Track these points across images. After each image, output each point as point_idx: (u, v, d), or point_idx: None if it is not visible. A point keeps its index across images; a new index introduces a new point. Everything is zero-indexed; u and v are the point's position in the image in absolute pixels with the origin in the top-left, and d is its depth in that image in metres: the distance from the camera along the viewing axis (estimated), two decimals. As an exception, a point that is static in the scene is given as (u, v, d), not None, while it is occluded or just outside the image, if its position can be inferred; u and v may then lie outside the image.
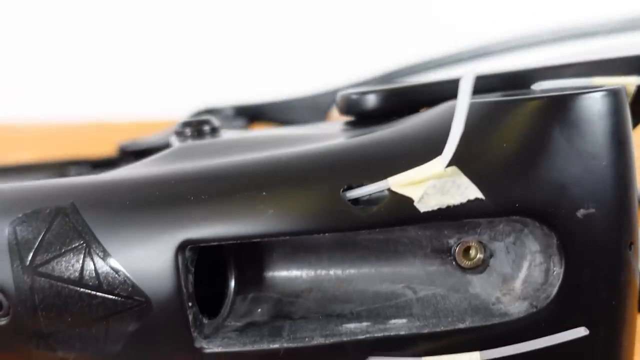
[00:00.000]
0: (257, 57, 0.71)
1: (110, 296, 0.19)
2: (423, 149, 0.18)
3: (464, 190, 0.18)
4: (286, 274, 0.22)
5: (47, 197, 0.20)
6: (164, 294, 0.18)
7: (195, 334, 0.19)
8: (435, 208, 0.18)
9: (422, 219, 0.18)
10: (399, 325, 0.19)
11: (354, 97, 0.24)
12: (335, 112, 0.50)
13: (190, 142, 0.24)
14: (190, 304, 0.19)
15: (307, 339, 0.19)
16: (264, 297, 0.21)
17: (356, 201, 0.18)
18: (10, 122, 0.71)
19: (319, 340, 0.18)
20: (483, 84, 0.24)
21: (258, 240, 0.19)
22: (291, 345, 0.18)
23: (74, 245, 0.19)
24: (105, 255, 0.19)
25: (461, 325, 0.18)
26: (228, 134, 0.26)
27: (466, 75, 0.18)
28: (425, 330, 0.18)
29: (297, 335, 0.19)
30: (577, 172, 0.18)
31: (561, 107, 0.18)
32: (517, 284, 0.19)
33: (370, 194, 0.18)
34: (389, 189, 0.18)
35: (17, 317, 0.19)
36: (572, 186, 0.18)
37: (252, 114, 0.49)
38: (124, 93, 0.71)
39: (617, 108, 0.18)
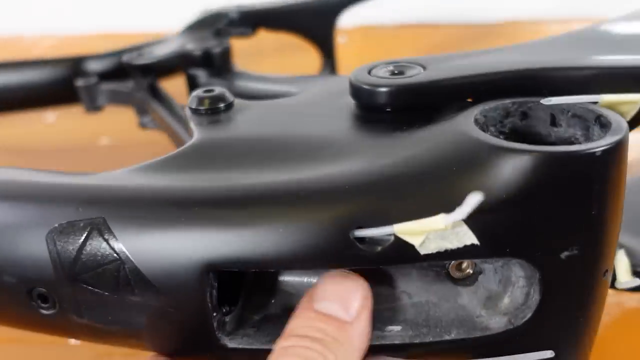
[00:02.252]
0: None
1: (144, 304, 0.21)
2: (431, 195, 0.20)
3: (462, 237, 0.20)
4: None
5: (80, 206, 0.22)
6: (191, 307, 0.21)
7: (219, 335, 0.22)
8: (434, 252, 0.20)
9: (422, 259, 0.20)
10: (394, 334, 0.22)
11: (366, 88, 0.25)
12: (342, 21, 0.49)
13: (208, 136, 0.25)
14: (214, 313, 0.21)
15: (315, 343, 0.22)
16: (277, 289, 0.24)
17: (362, 239, 0.20)
18: (17, 35, 0.69)
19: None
20: (493, 87, 0.24)
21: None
22: (302, 346, 0.22)
23: (109, 260, 0.21)
24: (137, 271, 0.21)
25: (447, 337, 0.22)
26: (242, 110, 0.27)
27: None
28: (417, 341, 0.22)
29: (306, 338, 0.22)
30: (566, 221, 0.20)
31: (556, 163, 0.19)
32: (501, 301, 0.22)
33: (376, 236, 0.20)
34: (393, 234, 0.20)
35: (63, 311, 0.22)
36: (560, 233, 0.20)
37: (256, 20, 0.48)
38: (128, 3, 0.69)
39: (609, 165, 0.19)
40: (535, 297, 0.21)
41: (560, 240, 0.20)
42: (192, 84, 0.42)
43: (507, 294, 0.22)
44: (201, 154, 0.24)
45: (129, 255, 0.21)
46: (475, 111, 0.23)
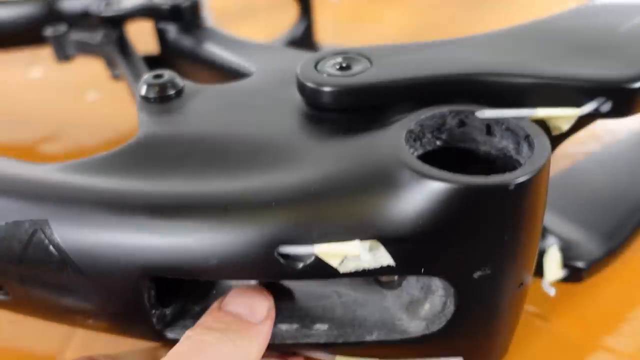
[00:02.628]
0: None
1: (87, 300, 0.23)
2: (351, 218, 0.21)
3: (378, 258, 0.21)
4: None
5: (25, 208, 0.23)
6: (130, 307, 0.23)
7: (158, 327, 0.24)
8: (353, 270, 0.21)
9: (341, 275, 0.21)
10: (320, 332, 0.24)
11: (312, 87, 0.25)
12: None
13: (153, 131, 0.25)
14: (153, 310, 0.23)
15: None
16: (219, 281, 0.26)
17: (286, 255, 0.21)
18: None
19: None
20: (434, 92, 0.24)
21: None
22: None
23: (53, 260, 0.22)
24: (79, 272, 0.22)
25: (368, 338, 0.23)
26: (192, 96, 0.27)
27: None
28: (340, 340, 0.23)
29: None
30: (478, 246, 0.21)
31: (471, 194, 0.20)
32: (421, 307, 0.24)
33: (298, 254, 0.21)
34: (314, 254, 0.21)
35: (15, 299, 0.24)
36: (473, 257, 0.21)
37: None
38: None
39: (522, 196, 0.20)
40: (450, 307, 0.22)
41: (473, 263, 0.21)
42: (162, 38, 0.41)
43: (427, 300, 0.23)
44: (144, 152, 0.24)
45: (71, 257, 0.22)
46: (410, 122, 0.23)
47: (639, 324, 0.29)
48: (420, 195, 0.20)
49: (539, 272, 0.28)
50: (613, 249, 0.30)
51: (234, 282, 0.25)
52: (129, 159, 0.24)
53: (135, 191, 0.22)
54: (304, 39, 0.46)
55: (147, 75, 0.28)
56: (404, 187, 0.20)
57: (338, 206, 0.21)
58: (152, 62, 0.42)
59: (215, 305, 0.23)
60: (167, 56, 0.41)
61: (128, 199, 0.22)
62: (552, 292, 0.25)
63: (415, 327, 0.23)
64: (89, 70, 0.49)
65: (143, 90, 0.27)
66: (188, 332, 0.22)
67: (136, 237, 0.21)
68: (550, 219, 0.31)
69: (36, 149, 0.47)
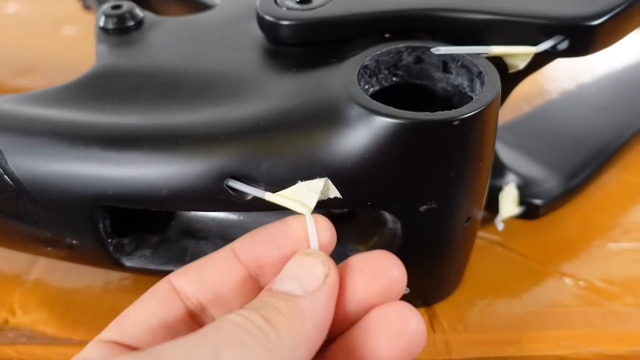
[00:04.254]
0: None
1: (43, 233, 0.23)
2: (298, 153, 0.21)
3: (326, 191, 0.21)
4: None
5: None
6: (87, 238, 0.23)
7: (116, 256, 0.24)
8: (302, 203, 0.21)
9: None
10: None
11: (270, 21, 0.25)
12: None
13: (108, 62, 0.25)
14: (109, 239, 0.24)
15: (202, 267, 0.24)
16: (177, 213, 0.26)
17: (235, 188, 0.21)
18: None
19: (210, 270, 0.24)
20: (393, 26, 0.24)
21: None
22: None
23: (9, 190, 0.23)
24: (34, 201, 0.23)
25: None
26: (151, 28, 0.27)
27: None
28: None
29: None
30: (424, 180, 0.21)
31: (416, 130, 0.20)
32: (372, 238, 0.24)
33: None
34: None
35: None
36: (418, 190, 0.21)
37: None
38: None
39: (467, 133, 0.20)
40: (398, 240, 0.23)
41: (419, 196, 0.21)
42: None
43: (377, 233, 0.24)
44: (99, 84, 0.24)
45: (25, 186, 0.22)
46: (365, 57, 0.23)
47: (597, 252, 0.29)
48: (367, 130, 0.20)
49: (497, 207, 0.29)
50: (572, 188, 0.31)
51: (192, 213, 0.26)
52: (84, 91, 0.24)
53: (88, 122, 0.22)
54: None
55: (106, 6, 0.27)
56: (352, 123, 0.20)
57: (286, 141, 0.21)
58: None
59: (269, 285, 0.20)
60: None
61: (80, 129, 0.22)
62: (500, 226, 0.25)
63: (365, 258, 0.24)
64: (64, 4, 0.48)
65: (101, 22, 0.27)
66: (231, 316, 0.18)
67: (88, 168, 0.22)
68: (512, 157, 0.31)
69: (11, 83, 0.47)
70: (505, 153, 0.31)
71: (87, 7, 0.43)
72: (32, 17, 0.53)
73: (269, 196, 0.20)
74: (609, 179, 0.34)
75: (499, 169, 0.29)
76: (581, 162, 0.32)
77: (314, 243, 0.20)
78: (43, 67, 0.48)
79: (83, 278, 0.29)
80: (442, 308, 0.27)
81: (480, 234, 0.30)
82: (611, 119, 0.35)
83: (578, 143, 0.33)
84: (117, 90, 0.24)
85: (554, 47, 0.23)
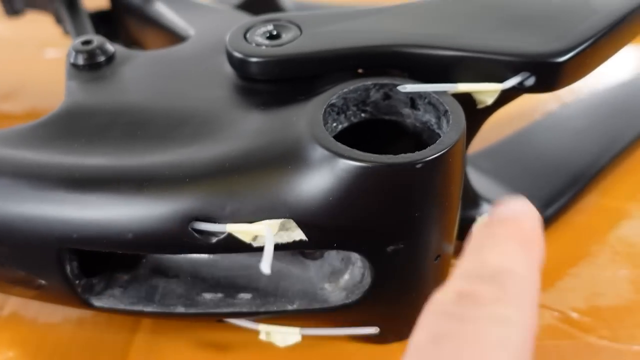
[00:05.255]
0: None
1: (13, 274, 0.23)
2: (263, 196, 0.21)
3: (291, 234, 0.21)
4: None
5: None
6: (54, 279, 0.23)
7: (85, 297, 0.24)
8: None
9: (256, 249, 0.21)
10: (243, 302, 0.24)
11: (239, 57, 0.25)
12: None
13: (78, 100, 0.25)
14: (77, 281, 0.23)
15: (171, 307, 0.24)
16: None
17: (200, 230, 0.21)
18: None
19: (180, 310, 0.24)
20: (361, 62, 0.24)
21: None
22: (159, 310, 0.24)
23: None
24: (1, 244, 0.23)
25: (290, 307, 0.24)
26: (123, 63, 0.27)
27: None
28: (262, 309, 0.24)
29: (165, 302, 0.24)
30: (389, 222, 0.21)
31: (381, 173, 0.20)
32: (342, 277, 0.24)
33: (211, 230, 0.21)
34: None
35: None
36: (384, 232, 0.21)
37: None
38: None
39: (431, 174, 0.20)
40: (368, 278, 0.23)
41: (385, 237, 0.21)
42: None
43: (347, 271, 0.24)
44: (67, 123, 0.24)
45: (-6, 229, 0.22)
46: (332, 96, 0.23)
47: (572, 282, 0.29)
48: (331, 173, 0.20)
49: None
50: (548, 217, 0.31)
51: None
52: (52, 130, 0.24)
53: (54, 163, 0.22)
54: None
55: (76, 42, 0.27)
56: (316, 165, 0.20)
57: (250, 183, 0.21)
58: (104, 18, 0.41)
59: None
60: (118, 13, 0.40)
61: (46, 171, 0.22)
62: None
63: (335, 297, 0.24)
64: (47, 26, 0.48)
65: (72, 57, 0.27)
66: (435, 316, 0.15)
67: (54, 210, 0.22)
68: (487, 186, 0.31)
69: (-7, 108, 0.47)
70: (480, 181, 0.31)
71: (67, 32, 0.43)
72: (14, 40, 0.53)
73: (230, 227, 0.20)
74: (588, 205, 0.34)
75: (473, 199, 0.29)
76: (558, 189, 0.32)
77: (268, 259, 0.19)
78: (26, 91, 0.48)
79: (57, 313, 0.29)
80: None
81: (455, 262, 0.30)
82: (589, 143, 0.35)
83: (555, 169, 0.33)
84: (84, 130, 0.24)
85: (520, 84, 0.23)
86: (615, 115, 0.38)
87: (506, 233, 0.17)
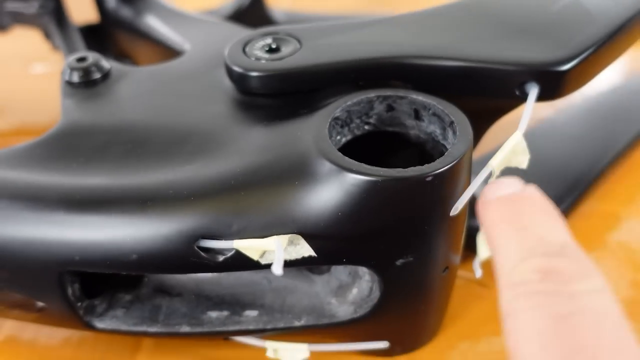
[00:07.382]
0: None
1: (10, 297, 0.23)
2: (270, 212, 0.20)
3: (299, 250, 0.21)
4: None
5: None
6: (55, 302, 0.22)
7: (87, 319, 0.23)
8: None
9: (263, 267, 0.21)
10: (250, 319, 0.24)
11: (239, 72, 0.24)
12: None
13: (74, 119, 0.24)
14: (79, 303, 0.23)
15: (177, 327, 0.24)
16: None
17: (206, 248, 0.21)
18: None
19: (185, 329, 0.23)
20: (363, 74, 0.24)
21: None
22: (164, 330, 0.24)
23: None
24: (4, 271, 0.22)
25: (297, 323, 0.23)
26: (119, 80, 0.27)
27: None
28: (269, 326, 0.23)
29: (169, 321, 0.24)
30: (399, 235, 0.21)
31: (390, 187, 0.20)
32: (349, 291, 0.24)
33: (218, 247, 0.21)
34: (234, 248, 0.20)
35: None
36: (394, 245, 0.21)
37: None
38: None
39: (440, 186, 0.20)
40: (377, 292, 0.23)
41: (394, 251, 0.21)
42: (101, 6, 0.40)
43: (355, 285, 0.24)
44: (65, 143, 0.24)
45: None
46: (336, 109, 0.23)
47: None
48: (339, 187, 0.20)
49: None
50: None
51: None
52: (49, 150, 0.23)
53: (53, 184, 0.22)
54: (253, 7, 0.45)
55: (70, 59, 0.27)
56: (323, 180, 0.20)
57: (257, 200, 0.21)
58: (93, 32, 0.40)
59: None
60: (107, 26, 0.40)
61: (45, 192, 0.22)
62: (478, 273, 0.25)
63: (343, 311, 0.23)
64: (34, 41, 0.47)
65: (67, 75, 0.26)
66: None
67: (54, 232, 0.21)
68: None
69: (-20, 126, 0.46)
70: (480, 189, 0.31)
71: (56, 47, 0.42)
72: (0, 54, 0.52)
73: (237, 244, 0.20)
74: (586, 210, 0.34)
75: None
76: (557, 195, 0.32)
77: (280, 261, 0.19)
78: (14, 107, 0.47)
79: (57, 334, 0.28)
80: (423, 354, 0.26)
81: (460, 273, 0.29)
82: (585, 149, 0.35)
83: (554, 175, 0.33)
84: (83, 149, 0.23)
85: (524, 93, 0.23)
86: (610, 118, 0.38)
87: (533, 210, 0.17)
